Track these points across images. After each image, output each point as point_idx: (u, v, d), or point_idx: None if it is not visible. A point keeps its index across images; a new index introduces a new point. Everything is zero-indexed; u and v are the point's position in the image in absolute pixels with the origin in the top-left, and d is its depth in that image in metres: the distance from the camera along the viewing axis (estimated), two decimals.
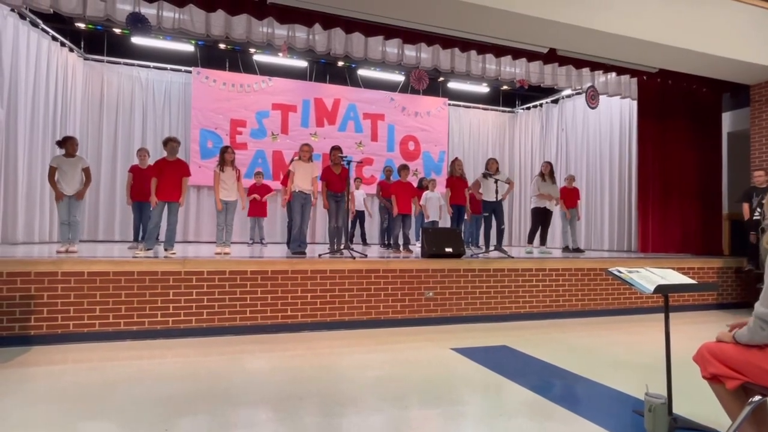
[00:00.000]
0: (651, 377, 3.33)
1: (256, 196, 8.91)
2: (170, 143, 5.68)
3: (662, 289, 2.44)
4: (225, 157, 5.90)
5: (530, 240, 8.13)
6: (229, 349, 4.12)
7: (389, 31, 6.24)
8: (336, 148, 6.46)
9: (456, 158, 7.57)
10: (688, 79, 7.76)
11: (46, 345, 4.06)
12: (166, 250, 5.54)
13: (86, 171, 5.85)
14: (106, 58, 9.41)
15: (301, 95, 10.57)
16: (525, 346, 4.36)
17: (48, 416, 2.58)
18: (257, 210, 8.96)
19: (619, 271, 2.62)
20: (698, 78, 7.67)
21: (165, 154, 5.69)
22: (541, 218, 7.90)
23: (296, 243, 6.04)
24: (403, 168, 7.12)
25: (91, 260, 4.38)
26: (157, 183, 5.51)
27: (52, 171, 5.64)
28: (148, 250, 5.47)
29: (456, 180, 7.24)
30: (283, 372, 3.47)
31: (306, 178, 6.09)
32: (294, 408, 2.75)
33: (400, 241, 7.04)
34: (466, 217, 7.76)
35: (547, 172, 7.91)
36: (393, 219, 7.06)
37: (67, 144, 5.79)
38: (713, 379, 1.96)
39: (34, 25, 7.60)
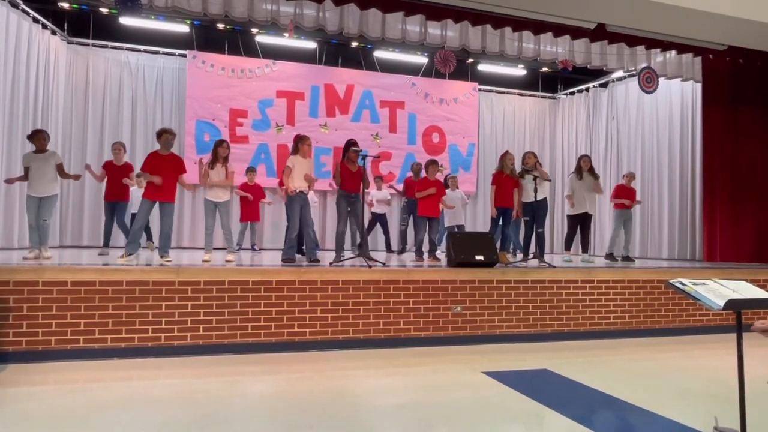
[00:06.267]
0: (720, 408, 3.24)
1: (249, 195, 8.76)
2: (165, 135, 5.74)
3: (734, 305, 2.38)
4: (218, 152, 5.95)
5: (567, 246, 8.04)
6: (229, 369, 4.17)
7: (410, 6, 6.26)
8: (353, 143, 6.49)
9: (507, 151, 7.28)
10: (764, 57, 7.58)
11: (26, 363, 4.15)
12: (161, 257, 5.60)
13: (59, 168, 5.98)
14: (91, 42, 9.63)
15: (310, 81, 10.66)
16: (569, 370, 4.31)
17: None
18: (249, 213, 8.90)
19: (682, 284, 2.57)
20: None
21: (156, 148, 5.77)
22: (577, 223, 7.75)
23: (292, 249, 6.06)
24: (431, 163, 7.07)
25: (75, 268, 4.49)
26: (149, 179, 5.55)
27: (26, 171, 5.84)
28: (130, 255, 5.46)
29: (505, 178, 6.92)
30: (289, 397, 3.49)
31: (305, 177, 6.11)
32: None
33: (425, 248, 7.03)
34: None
35: (586, 168, 7.65)
36: (417, 222, 7.05)
37: (35, 138, 5.91)
38: None
39: (14, 5, 7.83)
